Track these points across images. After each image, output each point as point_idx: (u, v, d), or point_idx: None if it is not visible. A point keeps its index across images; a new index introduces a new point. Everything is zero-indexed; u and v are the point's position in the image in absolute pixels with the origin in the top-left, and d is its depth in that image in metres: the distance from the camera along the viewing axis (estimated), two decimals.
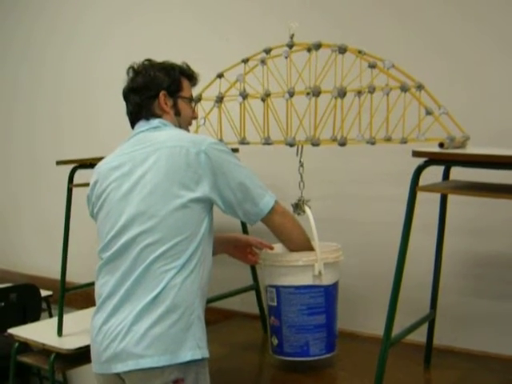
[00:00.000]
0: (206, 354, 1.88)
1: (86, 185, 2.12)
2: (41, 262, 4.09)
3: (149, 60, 2.13)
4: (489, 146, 1.99)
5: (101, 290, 1.92)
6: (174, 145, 1.91)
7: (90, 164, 2.45)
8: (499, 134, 2.24)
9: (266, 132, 2.26)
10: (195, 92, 2.38)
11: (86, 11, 3.81)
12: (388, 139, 2.04)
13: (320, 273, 2.13)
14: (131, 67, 2.11)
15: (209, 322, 2.85)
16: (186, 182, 1.87)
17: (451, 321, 2.35)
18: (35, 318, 3.59)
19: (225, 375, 2.29)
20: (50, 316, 3.85)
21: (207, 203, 1.92)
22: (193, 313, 1.86)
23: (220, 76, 2.41)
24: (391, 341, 1.82)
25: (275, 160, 2.69)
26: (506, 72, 2.28)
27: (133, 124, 2.10)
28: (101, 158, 2.11)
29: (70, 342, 2.66)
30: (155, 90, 2.06)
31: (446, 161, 1.88)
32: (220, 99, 2.36)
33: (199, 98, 2.43)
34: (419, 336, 2.18)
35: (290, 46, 2.24)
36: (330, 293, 2.20)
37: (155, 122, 2.05)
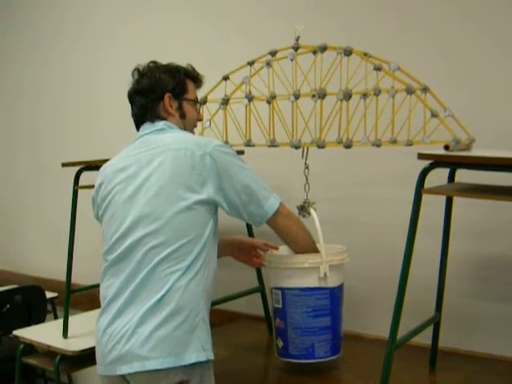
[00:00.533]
0: (211, 356, 1.89)
1: (92, 187, 2.12)
2: (46, 264, 4.10)
3: (154, 62, 2.13)
4: (494, 148, 2.00)
5: (106, 292, 1.93)
6: (179, 147, 1.91)
7: (95, 166, 2.46)
8: (504, 136, 2.24)
9: (272, 134, 2.26)
10: (201, 94, 2.38)
11: (91, 13, 3.82)
12: (393, 141, 2.04)
13: (325, 275, 2.13)
14: (136, 69, 2.12)
15: (214, 324, 2.86)
16: (191, 185, 1.87)
17: (456, 323, 2.35)
18: (40, 319, 3.59)
19: (230, 377, 2.29)
20: (56, 318, 3.86)
21: (212, 205, 1.92)
22: (197, 315, 1.86)
23: (226, 78, 2.41)
24: (396, 343, 1.82)
25: (281, 162, 2.69)
26: (510, 74, 2.28)
27: (138, 126, 2.11)
28: (106, 160, 2.12)
29: (75, 344, 2.67)
30: (160, 92, 2.06)
31: (452, 163, 1.88)
32: (226, 101, 2.37)
33: (205, 100, 2.43)
34: (424, 338, 2.19)
35: (296, 48, 2.24)
36: (335, 295, 2.20)
37: (160, 124, 2.05)
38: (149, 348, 1.79)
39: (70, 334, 2.78)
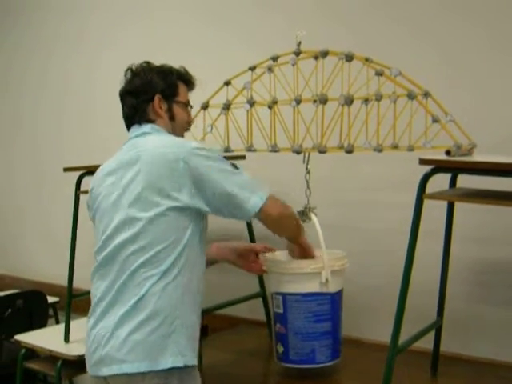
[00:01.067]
0: (191, 362, 1.88)
1: None
2: (47, 269, 4.10)
3: (147, 62, 2.12)
4: (495, 153, 1.99)
5: (93, 294, 1.96)
6: (157, 152, 1.89)
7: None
8: (506, 142, 2.24)
9: (273, 139, 2.26)
10: (202, 99, 2.39)
11: (91, 17, 3.83)
12: (395, 147, 2.05)
13: (327, 280, 2.13)
14: (129, 69, 2.11)
15: (215, 329, 2.88)
16: (167, 190, 1.85)
17: (458, 328, 2.34)
18: (42, 324, 3.59)
19: (231, 382, 2.30)
20: (57, 322, 3.85)
21: (191, 211, 1.89)
22: (175, 320, 1.86)
23: (227, 83, 2.41)
24: (398, 348, 1.82)
25: (282, 167, 2.69)
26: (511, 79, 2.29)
27: (128, 128, 2.10)
28: None
29: (76, 349, 2.66)
30: (151, 93, 2.04)
31: (453, 168, 1.88)
32: (227, 106, 2.37)
33: (206, 106, 2.43)
34: (426, 343, 2.18)
35: (297, 53, 2.24)
36: (335, 300, 2.20)
37: (147, 127, 2.03)
38: (125, 351, 1.82)
39: (71, 338, 2.79)
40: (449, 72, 2.39)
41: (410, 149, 2.02)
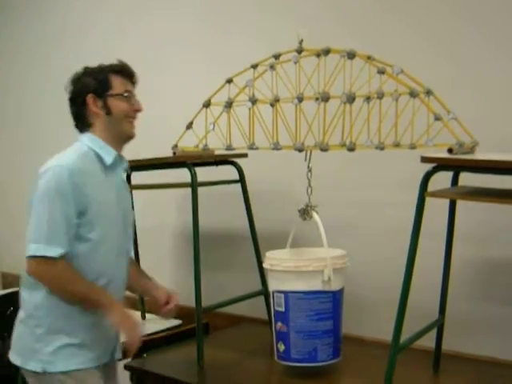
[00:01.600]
0: (53, 369, 1.97)
1: None
2: None
3: (85, 67, 2.11)
4: (497, 151, 1.99)
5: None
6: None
7: None
8: (508, 140, 2.24)
9: (275, 137, 2.26)
10: (205, 97, 2.39)
11: (93, 16, 3.83)
12: (397, 145, 2.04)
13: (329, 278, 2.14)
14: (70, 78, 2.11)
15: (217, 327, 2.88)
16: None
17: (460, 326, 2.34)
18: None
19: (232, 380, 2.30)
20: None
21: None
22: (41, 326, 2.01)
23: (229, 81, 2.41)
24: (400, 346, 1.82)
25: (284, 165, 2.69)
26: None
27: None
28: None
29: None
30: (83, 96, 2.04)
31: (455, 166, 1.88)
32: (229, 104, 2.37)
33: (208, 104, 2.43)
34: (428, 341, 2.18)
35: (299, 51, 2.24)
36: (337, 298, 2.20)
37: (80, 137, 2.08)
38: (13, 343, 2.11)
39: None
40: (451, 70, 2.38)
41: (412, 147, 2.02)
